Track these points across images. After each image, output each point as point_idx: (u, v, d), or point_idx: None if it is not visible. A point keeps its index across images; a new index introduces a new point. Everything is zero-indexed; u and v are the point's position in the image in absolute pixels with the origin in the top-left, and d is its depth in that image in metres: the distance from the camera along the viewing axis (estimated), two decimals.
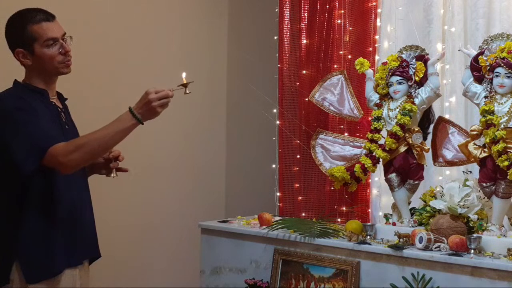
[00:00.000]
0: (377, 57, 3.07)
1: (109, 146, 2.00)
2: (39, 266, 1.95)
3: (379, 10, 3.11)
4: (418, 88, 2.40)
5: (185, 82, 1.98)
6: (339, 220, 3.09)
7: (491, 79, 2.20)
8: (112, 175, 2.18)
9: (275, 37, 3.50)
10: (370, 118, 2.58)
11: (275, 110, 3.47)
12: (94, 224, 2.19)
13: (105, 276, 3.14)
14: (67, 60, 2.05)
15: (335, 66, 3.28)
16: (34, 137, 1.90)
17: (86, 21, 3.10)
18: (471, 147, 2.24)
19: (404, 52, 2.48)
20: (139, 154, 3.38)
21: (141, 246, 3.43)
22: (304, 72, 3.41)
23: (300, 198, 3.36)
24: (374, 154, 2.45)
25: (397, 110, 2.40)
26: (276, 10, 3.50)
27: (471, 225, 2.22)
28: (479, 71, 2.25)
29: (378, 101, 2.50)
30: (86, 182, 2.18)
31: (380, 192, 3.04)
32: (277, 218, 2.80)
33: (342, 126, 3.19)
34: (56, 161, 1.90)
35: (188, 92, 2.00)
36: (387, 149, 2.41)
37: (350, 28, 3.24)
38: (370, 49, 3.10)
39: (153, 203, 3.49)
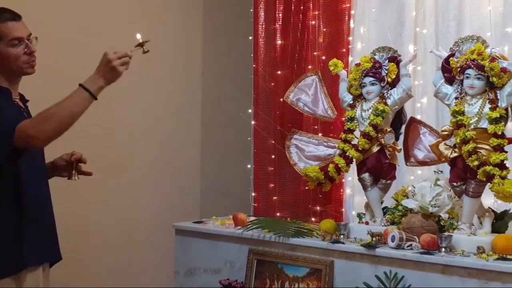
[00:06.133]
0: (350, 58, 3.10)
1: (76, 116, 1.96)
2: (6, 263, 1.96)
3: (352, 12, 3.14)
4: (391, 89, 2.43)
5: (141, 41, 1.99)
6: (313, 219, 3.11)
7: (462, 81, 2.24)
8: (73, 178, 2.17)
9: (250, 37, 3.51)
10: (343, 118, 2.61)
11: (250, 110, 3.48)
12: (55, 226, 2.18)
13: (77, 277, 3.11)
14: (31, 61, 2.06)
15: (309, 66, 3.29)
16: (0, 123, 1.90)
17: (52, 19, 3.05)
18: (442, 147, 2.27)
19: (377, 53, 2.51)
20: (112, 154, 3.35)
21: (114, 247, 3.39)
22: (279, 72, 3.42)
23: (275, 198, 3.37)
24: (347, 154, 2.47)
25: (370, 110, 2.43)
26: (251, 10, 3.51)
27: (442, 224, 2.26)
28: (450, 72, 2.29)
29: (352, 102, 2.53)
30: (47, 184, 2.18)
31: (353, 191, 3.07)
32: (252, 218, 2.81)
33: (316, 127, 3.21)
34: (26, 136, 1.89)
35: (146, 50, 2.00)
36: (360, 149, 2.43)
37: (324, 29, 3.26)
38: (344, 50, 3.13)
39: (127, 203, 3.46)
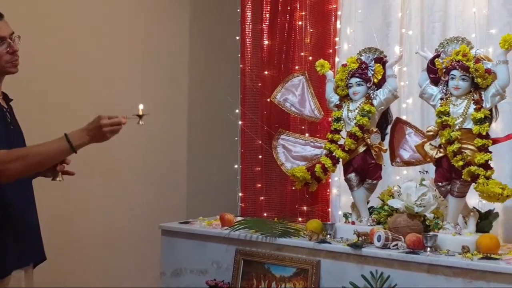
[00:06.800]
0: (337, 59, 3.11)
1: (48, 163, 2.00)
2: None
3: (339, 13, 3.15)
4: (377, 89, 2.45)
5: (141, 113, 2.06)
6: (300, 219, 3.11)
7: (447, 81, 2.26)
8: (57, 178, 2.14)
9: (237, 38, 3.50)
10: (330, 119, 2.62)
11: (237, 111, 3.48)
12: (39, 227, 2.16)
13: (63, 278, 3.09)
14: (14, 60, 2.03)
15: (296, 67, 3.30)
16: None
17: (36, 18, 3.02)
18: (427, 147, 2.29)
19: (363, 54, 2.53)
20: (98, 155, 3.32)
21: (101, 247, 3.37)
22: (266, 73, 3.42)
23: (262, 198, 3.36)
24: (334, 154, 2.48)
25: (356, 111, 2.44)
26: (238, 10, 3.50)
27: (428, 224, 2.28)
28: (435, 73, 2.31)
29: (338, 102, 2.54)
30: (31, 184, 2.16)
31: (340, 191, 3.08)
32: (239, 218, 2.81)
33: (303, 127, 3.22)
34: None
35: (141, 123, 2.05)
36: (346, 149, 2.44)
37: (311, 30, 3.26)
38: (330, 51, 3.14)
39: (114, 204, 3.44)
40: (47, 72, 3.06)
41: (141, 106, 2.05)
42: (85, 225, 3.28)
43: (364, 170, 2.46)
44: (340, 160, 2.50)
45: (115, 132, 1.99)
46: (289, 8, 3.37)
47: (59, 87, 3.12)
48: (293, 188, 2.79)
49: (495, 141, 2.22)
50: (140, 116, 2.05)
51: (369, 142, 2.42)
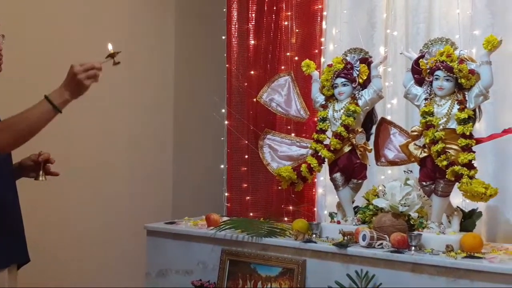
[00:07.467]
0: (322, 59, 3.12)
1: (36, 129, 1.90)
2: None
3: (324, 13, 3.16)
4: (362, 90, 2.46)
5: (112, 52, 1.95)
6: (286, 219, 3.12)
7: (431, 82, 2.28)
8: (40, 178, 2.11)
9: (223, 37, 3.50)
10: (316, 119, 2.63)
11: (223, 110, 3.47)
12: (23, 227, 2.12)
13: (49, 279, 3.06)
14: None
15: (282, 67, 3.30)
16: None
17: (22, 17, 2.99)
18: (411, 147, 2.31)
19: (348, 54, 2.54)
20: (84, 155, 3.31)
21: (86, 248, 3.35)
22: (252, 72, 3.42)
23: (248, 198, 3.36)
24: (319, 154, 2.49)
25: (342, 111, 2.45)
26: (224, 10, 3.50)
27: (412, 223, 2.29)
28: (419, 74, 2.33)
29: (324, 102, 2.55)
30: (14, 184, 2.11)
31: (325, 191, 3.09)
32: (225, 218, 2.80)
33: (289, 127, 3.22)
34: None
35: (117, 62, 1.96)
36: (332, 149, 2.46)
37: (297, 30, 3.27)
38: (316, 51, 3.15)
39: (98, 204, 3.42)
40: (32, 72, 3.03)
41: (110, 46, 1.95)
42: (70, 226, 3.26)
43: (350, 169, 2.47)
44: (326, 160, 2.51)
45: (92, 77, 1.89)
46: (275, 8, 3.37)
47: (43, 87, 3.07)
48: (279, 188, 2.79)
49: (479, 141, 2.24)
50: (112, 56, 1.95)
51: (354, 142, 2.43)
